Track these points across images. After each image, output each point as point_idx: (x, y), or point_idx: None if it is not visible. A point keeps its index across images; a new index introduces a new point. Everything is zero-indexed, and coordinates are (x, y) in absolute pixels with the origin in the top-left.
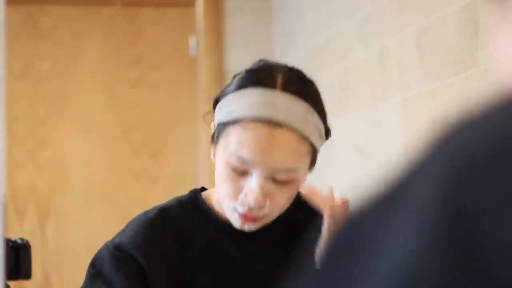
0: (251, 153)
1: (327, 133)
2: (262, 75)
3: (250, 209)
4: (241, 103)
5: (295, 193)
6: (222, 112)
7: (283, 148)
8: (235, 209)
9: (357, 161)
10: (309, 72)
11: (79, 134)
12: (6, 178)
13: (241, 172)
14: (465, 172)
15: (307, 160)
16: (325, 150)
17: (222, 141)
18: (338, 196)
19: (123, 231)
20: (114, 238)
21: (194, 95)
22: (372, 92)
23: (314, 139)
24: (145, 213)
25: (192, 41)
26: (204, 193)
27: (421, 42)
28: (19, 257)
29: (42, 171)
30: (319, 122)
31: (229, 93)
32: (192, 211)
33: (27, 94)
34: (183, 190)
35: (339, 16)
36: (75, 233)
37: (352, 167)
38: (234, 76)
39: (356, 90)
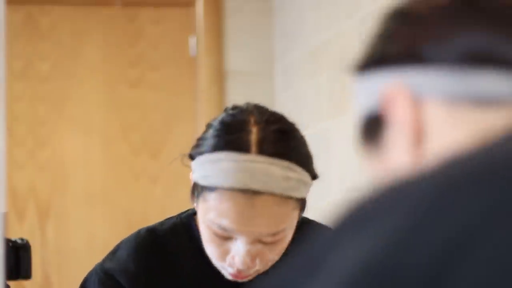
0: (231, 223)
1: (315, 177)
2: (235, 135)
3: (239, 270)
4: (216, 169)
5: (287, 243)
6: (198, 174)
7: (265, 215)
8: (224, 268)
9: (357, 162)
10: (309, 72)
11: (79, 134)
12: (6, 178)
13: (225, 238)
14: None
15: (295, 214)
16: (325, 150)
17: (201, 204)
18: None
19: (113, 253)
20: (104, 261)
21: (194, 95)
22: None
23: (299, 193)
24: (137, 236)
25: (192, 41)
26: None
27: None
28: (19, 257)
29: (42, 171)
30: (303, 173)
31: (203, 152)
32: (185, 239)
33: (27, 94)
34: (183, 190)
35: (339, 16)
36: (75, 233)
37: (352, 167)
38: (208, 126)
39: None
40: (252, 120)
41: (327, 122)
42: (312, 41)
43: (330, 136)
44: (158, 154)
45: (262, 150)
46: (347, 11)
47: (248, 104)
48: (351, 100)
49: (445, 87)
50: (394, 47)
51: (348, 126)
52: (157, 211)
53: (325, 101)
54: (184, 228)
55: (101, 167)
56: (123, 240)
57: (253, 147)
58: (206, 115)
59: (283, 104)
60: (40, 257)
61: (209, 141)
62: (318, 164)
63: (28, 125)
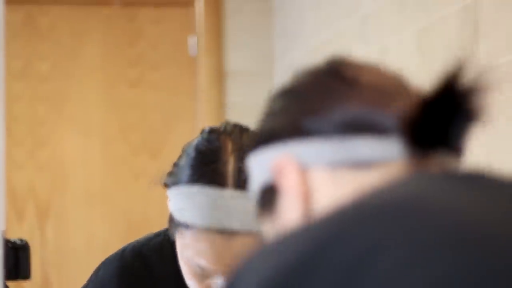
0: (209, 263)
1: None
2: (211, 166)
3: None
4: (191, 204)
5: None
6: (173, 205)
7: (245, 253)
8: None
9: None
10: None
11: (79, 134)
12: (5, 178)
13: (204, 275)
14: None
15: None
16: None
17: (178, 238)
18: None
19: (96, 274)
20: (88, 283)
21: (194, 95)
22: None
23: None
24: (121, 257)
25: (192, 41)
26: None
27: (421, 42)
28: (18, 258)
29: (42, 171)
30: None
31: (178, 183)
32: (172, 262)
33: (27, 94)
34: None
35: (339, 16)
36: (74, 233)
37: None
38: (183, 152)
39: None
40: (229, 146)
41: None
42: (312, 41)
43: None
44: (158, 154)
45: (240, 183)
46: (347, 11)
47: (226, 125)
48: None
49: (326, 155)
50: (280, 123)
51: None
52: (157, 211)
53: None
54: (171, 248)
55: (101, 167)
56: (107, 259)
57: (230, 180)
58: (206, 115)
59: None
60: (39, 257)
61: (184, 171)
62: None
63: (27, 125)
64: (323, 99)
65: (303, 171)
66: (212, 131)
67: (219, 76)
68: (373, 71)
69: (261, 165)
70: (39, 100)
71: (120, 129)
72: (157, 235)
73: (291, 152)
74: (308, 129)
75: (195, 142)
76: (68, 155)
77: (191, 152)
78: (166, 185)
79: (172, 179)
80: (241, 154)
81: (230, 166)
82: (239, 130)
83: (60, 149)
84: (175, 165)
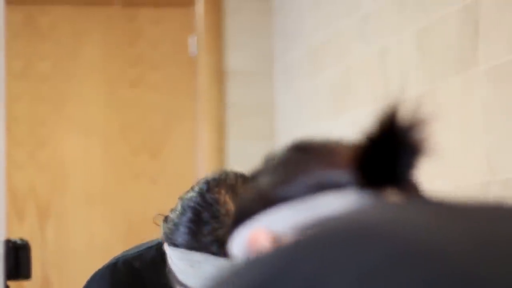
0: None
1: None
2: (210, 234)
3: None
4: (196, 272)
5: None
6: (175, 266)
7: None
8: None
9: None
10: (309, 72)
11: (79, 134)
12: (6, 178)
13: None
14: None
15: None
16: None
17: None
18: None
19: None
20: None
21: (194, 95)
22: (373, 92)
23: None
24: (113, 270)
25: (192, 41)
26: None
27: (421, 41)
28: (19, 257)
29: (42, 171)
30: None
31: (178, 246)
32: (164, 276)
33: (27, 94)
34: (183, 191)
35: (339, 16)
36: (75, 233)
37: None
38: (181, 205)
39: (357, 90)
40: (229, 207)
41: (326, 122)
42: (312, 41)
43: (330, 136)
44: (158, 154)
45: None
46: (347, 11)
47: (225, 177)
48: (351, 100)
49: (293, 218)
50: (252, 200)
51: (348, 126)
52: (157, 211)
53: (325, 101)
54: (164, 262)
55: (101, 167)
56: (98, 274)
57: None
58: (206, 115)
59: (283, 104)
60: (40, 257)
61: (183, 235)
62: None
63: (28, 125)
64: (287, 171)
65: (276, 239)
66: (209, 188)
67: (219, 76)
68: (325, 141)
69: (239, 244)
70: (39, 100)
71: (120, 129)
72: (149, 247)
73: (263, 224)
74: (275, 199)
75: (192, 199)
76: (68, 155)
77: (188, 213)
78: (165, 239)
79: (171, 238)
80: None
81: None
82: (237, 179)
83: (60, 149)
84: (172, 220)
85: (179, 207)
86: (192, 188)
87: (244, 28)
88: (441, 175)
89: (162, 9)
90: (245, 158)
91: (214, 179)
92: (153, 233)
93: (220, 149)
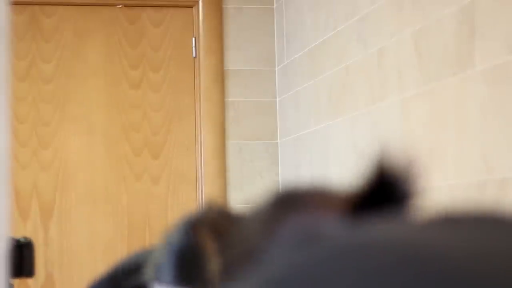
0: None
1: None
2: (195, 269)
3: None
4: None
5: None
6: None
7: None
8: None
9: (356, 161)
10: (309, 72)
11: (82, 134)
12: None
13: None
14: None
15: None
16: (324, 150)
17: None
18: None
19: None
20: None
21: (195, 96)
22: (371, 92)
23: None
24: None
25: (193, 42)
26: None
27: (418, 43)
28: (23, 256)
29: (45, 170)
30: None
31: (161, 280)
32: None
33: (31, 95)
34: (184, 190)
35: (337, 17)
36: (77, 232)
37: (351, 167)
38: (164, 242)
39: (355, 91)
40: (211, 249)
41: (326, 122)
42: (311, 42)
43: (329, 136)
44: (159, 154)
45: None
46: (345, 12)
47: (207, 215)
48: (350, 100)
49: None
50: (238, 254)
51: (347, 126)
52: (159, 210)
53: (324, 101)
54: None
55: (103, 166)
56: None
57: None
58: (206, 115)
59: (283, 104)
60: (43, 255)
61: (168, 276)
62: (317, 164)
63: (31, 125)
64: (271, 225)
65: None
66: (192, 229)
67: (220, 76)
68: (312, 189)
69: None
70: (42, 101)
71: (122, 129)
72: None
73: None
74: (258, 254)
75: (175, 241)
76: (71, 155)
77: (172, 255)
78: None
79: (155, 277)
80: (228, 256)
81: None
82: (225, 223)
83: (63, 149)
84: (156, 260)
85: (162, 249)
86: (175, 228)
87: (245, 29)
88: (438, 174)
89: (163, 10)
90: (245, 158)
91: (197, 219)
92: (154, 232)
93: (220, 149)
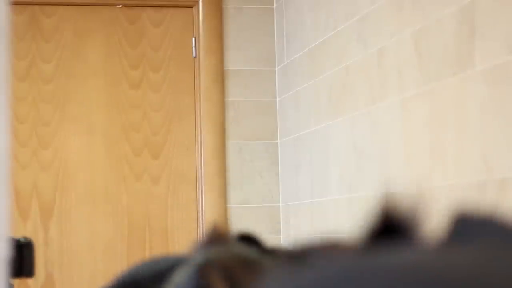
0: None
1: None
2: None
3: None
4: None
5: None
6: None
7: None
8: None
9: (356, 161)
10: (309, 72)
11: (82, 134)
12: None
13: None
14: None
15: None
16: (324, 150)
17: None
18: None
19: None
20: None
21: (195, 96)
22: (371, 92)
23: None
24: None
25: (194, 42)
26: None
27: (418, 43)
28: (23, 256)
29: (45, 170)
30: None
31: None
32: None
33: (31, 95)
34: (184, 190)
35: (337, 17)
36: (77, 232)
37: (351, 167)
38: (171, 284)
39: (355, 91)
40: None
41: (326, 122)
42: (311, 42)
43: (329, 136)
44: (159, 154)
45: None
46: (345, 12)
47: (218, 256)
48: (350, 100)
49: None
50: None
51: (347, 126)
52: (159, 210)
53: (324, 101)
54: None
55: (103, 166)
56: None
57: None
58: (206, 115)
59: (283, 104)
60: (43, 255)
61: None
62: (317, 164)
63: (31, 125)
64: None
65: None
66: (203, 275)
67: (220, 76)
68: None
69: None
70: (42, 101)
71: (122, 129)
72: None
73: None
74: None
75: (181, 285)
76: (71, 155)
77: None
78: None
79: None
80: None
81: None
82: (239, 267)
83: (63, 149)
84: None
85: None
86: (183, 269)
87: (245, 29)
88: (438, 174)
89: (163, 10)
90: (245, 158)
91: (207, 261)
92: (154, 232)
93: (220, 149)
